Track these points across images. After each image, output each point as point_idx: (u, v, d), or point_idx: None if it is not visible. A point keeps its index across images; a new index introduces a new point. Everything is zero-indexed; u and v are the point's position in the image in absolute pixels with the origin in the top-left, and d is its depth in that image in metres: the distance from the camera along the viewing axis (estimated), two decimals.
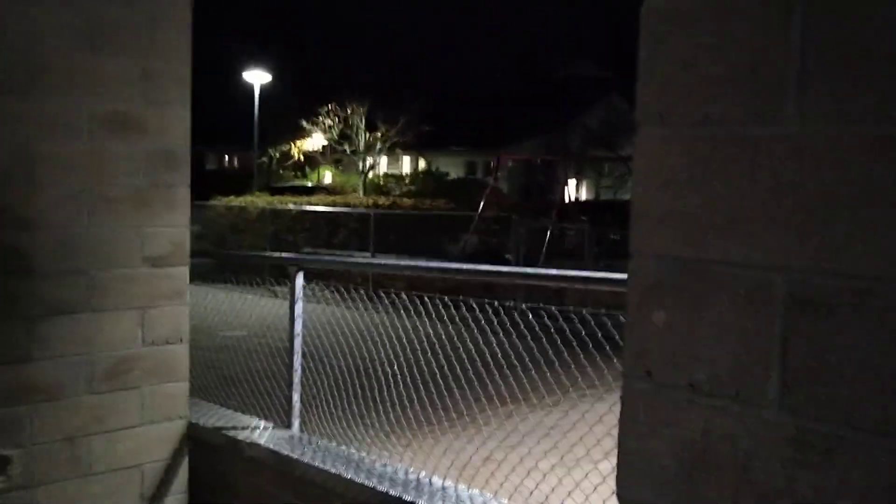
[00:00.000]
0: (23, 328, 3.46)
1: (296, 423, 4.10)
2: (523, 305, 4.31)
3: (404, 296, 4.63)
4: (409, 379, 5.63)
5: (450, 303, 4.92)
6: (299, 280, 4.09)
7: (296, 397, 4.11)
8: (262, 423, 4.22)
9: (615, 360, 4.53)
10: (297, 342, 4.10)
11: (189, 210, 3.95)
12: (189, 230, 3.95)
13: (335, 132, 30.75)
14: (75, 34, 3.50)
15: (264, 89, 29.08)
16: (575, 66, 48.26)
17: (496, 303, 4.27)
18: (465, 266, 4.56)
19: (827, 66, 1.00)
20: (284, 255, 5.42)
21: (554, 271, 3.76)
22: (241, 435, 4.00)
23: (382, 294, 5.94)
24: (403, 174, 38.93)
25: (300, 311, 4.11)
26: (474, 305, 4.41)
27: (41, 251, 3.49)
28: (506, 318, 4.33)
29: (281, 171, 40.44)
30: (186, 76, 3.85)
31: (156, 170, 3.78)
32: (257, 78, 28.74)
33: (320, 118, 30.71)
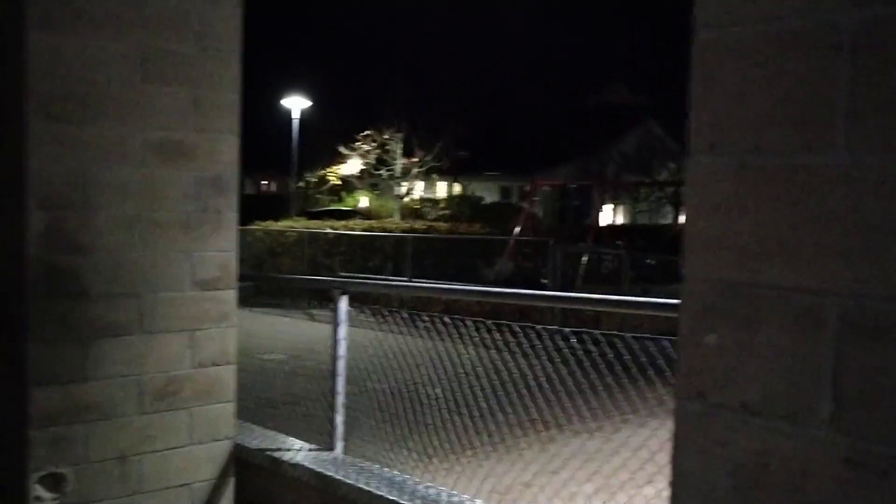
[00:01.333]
0: (78, 349, 3.56)
1: (339, 444, 4.16)
2: (566, 330, 4.33)
3: (446, 319, 4.67)
4: (449, 402, 5.66)
5: (490, 326, 4.95)
6: (343, 303, 4.15)
7: (339, 419, 4.16)
8: (306, 445, 4.28)
9: (656, 385, 4.54)
10: (341, 365, 4.16)
11: (236, 235, 4.05)
12: (236, 254, 4.04)
13: (372, 157, 31.05)
14: (130, 64, 3.62)
15: (302, 114, 29.47)
16: (610, 92, 48.27)
17: (537, 327, 4.30)
18: (512, 291, 4.59)
19: (875, 100, 1.04)
20: (328, 278, 5.49)
21: (602, 296, 3.78)
22: (286, 456, 4.06)
23: (421, 317, 5.99)
24: (439, 199, 39.10)
25: (343, 334, 4.18)
26: (517, 329, 4.44)
27: (95, 274, 3.59)
28: (548, 343, 4.36)
29: (318, 196, 40.81)
30: (235, 104, 3.95)
31: (205, 195, 3.88)
32: (296, 104, 29.13)
33: (358, 143, 31.05)
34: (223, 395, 4.01)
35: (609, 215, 22.81)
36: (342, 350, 4.16)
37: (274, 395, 7.00)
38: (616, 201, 34.84)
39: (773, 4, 1.15)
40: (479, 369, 5.55)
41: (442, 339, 5.42)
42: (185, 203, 3.83)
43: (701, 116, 1.23)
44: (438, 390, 5.64)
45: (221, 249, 3.96)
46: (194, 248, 3.87)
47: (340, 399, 4.17)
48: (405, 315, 5.12)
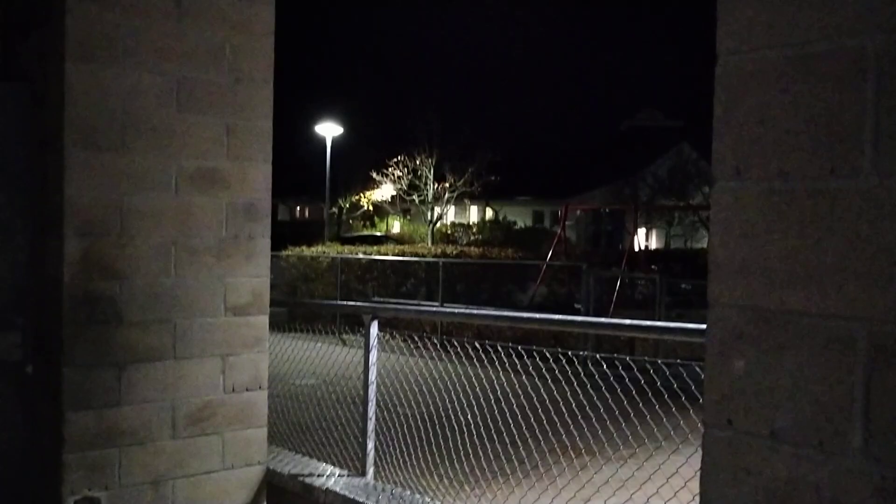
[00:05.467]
0: (112, 374, 3.61)
1: (370, 470, 4.15)
2: (597, 356, 4.30)
3: (476, 345, 4.67)
4: (481, 429, 5.63)
5: (522, 352, 4.94)
6: (374, 329, 4.17)
7: (370, 445, 4.16)
8: (338, 471, 4.28)
9: (690, 412, 4.47)
10: (372, 390, 4.16)
11: (269, 261, 4.08)
12: (269, 280, 4.08)
13: (404, 182, 31.25)
14: (165, 94, 3.69)
15: (335, 140, 29.74)
16: (643, 116, 48.19)
17: (570, 353, 4.29)
18: (543, 316, 4.57)
19: None
20: (360, 303, 5.51)
21: (631, 322, 3.75)
22: (318, 482, 4.06)
23: (453, 343, 5.99)
24: (470, 223, 39.16)
25: (374, 359, 4.18)
26: (548, 355, 4.42)
27: (130, 300, 3.64)
28: (579, 368, 4.33)
29: (350, 222, 41.08)
30: (268, 132, 4.01)
31: (238, 222, 3.93)
32: (329, 130, 29.42)
33: (390, 169, 31.28)
34: (256, 421, 4.03)
35: (643, 239, 22.69)
36: (373, 375, 4.17)
37: (306, 419, 7.02)
38: (650, 225, 34.64)
39: (796, 29, 1.15)
40: (512, 395, 5.53)
41: (474, 365, 5.41)
42: (218, 230, 3.87)
43: (725, 141, 1.23)
44: (470, 416, 5.62)
45: (254, 275, 3.99)
46: (228, 274, 3.91)
47: (371, 425, 4.17)
48: (436, 340, 5.14)
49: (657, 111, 48.24)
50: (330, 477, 4.16)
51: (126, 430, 3.66)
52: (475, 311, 4.67)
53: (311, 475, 4.17)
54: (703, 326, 1.29)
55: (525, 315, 4.44)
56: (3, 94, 3.70)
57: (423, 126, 30.47)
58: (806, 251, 1.13)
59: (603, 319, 3.91)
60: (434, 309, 5.70)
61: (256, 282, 4.01)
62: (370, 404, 4.16)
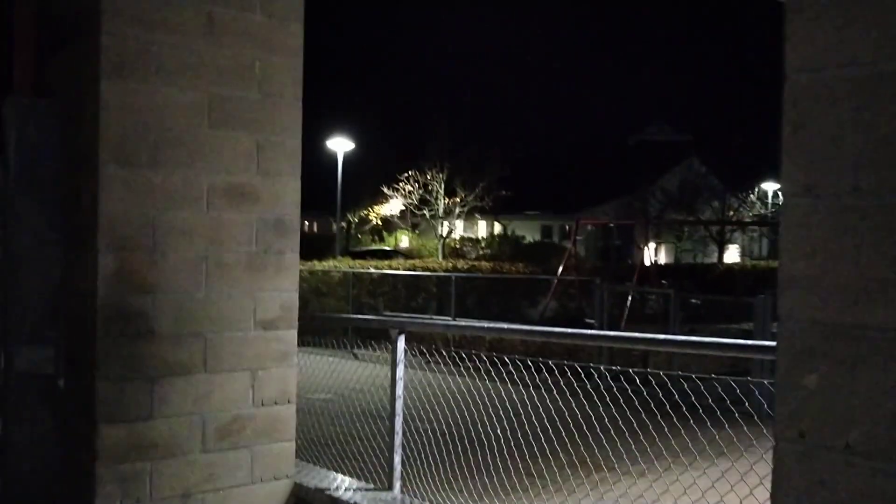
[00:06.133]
0: (145, 388, 3.63)
1: (397, 484, 4.16)
2: (615, 369, 4.32)
3: (493, 358, 4.68)
4: (495, 443, 5.63)
5: (540, 365, 4.94)
6: (401, 343, 4.19)
7: (397, 459, 4.18)
8: (364, 485, 4.29)
9: (707, 425, 4.47)
10: (399, 405, 4.18)
11: (297, 275, 4.11)
12: (297, 294, 4.11)
13: (415, 197, 31.36)
14: (197, 111, 3.73)
15: (346, 155, 29.83)
16: (652, 130, 48.23)
17: (590, 367, 4.30)
18: (588, 332, 4.58)
19: None
20: (386, 317, 5.53)
21: (688, 338, 3.77)
22: (345, 496, 4.07)
23: (465, 357, 6.00)
24: (479, 238, 39.21)
25: (401, 373, 4.20)
26: (566, 369, 4.43)
27: (162, 314, 3.67)
28: (598, 382, 4.34)
29: (359, 236, 41.16)
30: (297, 148, 4.05)
31: (267, 237, 3.96)
32: (340, 146, 29.51)
33: (401, 184, 31.40)
34: (284, 434, 4.05)
35: (653, 254, 22.70)
36: (400, 389, 4.18)
37: (323, 433, 7.04)
38: (658, 240, 34.62)
39: (866, 48, 1.18)
40: (525, 409, 5.53)
41: (483, 378, 5.43)
42: (248, 245, 3.91)
43: (795, 160, 1.25)
44: (483, 430, 5.62)
45: (283, 290, 4.02)
46: (257, 288, 3.94)
47: (398, 439, 4.18)
48: (445, 353, 5.15)
49: (666, 125, 48.28)
50: (357, 491, 4.17)
51: (157, 444, 3.68)
52: (506, 327, 4.68)
53: (337, 489, 4.18)
54: (768, 343, 1.31)
55: (559, 330, 4.46)
56: (37, 110, 3.74)
57: (434, 141, 30.62)
58: (878, 266, 1.15)
59: (658, 336, 3.92)
60: (464, 324, 5.71)
61: (285, 296, 4.04)
62: (397, 418, 4.18)
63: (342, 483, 4.30)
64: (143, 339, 3.63)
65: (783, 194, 1.27)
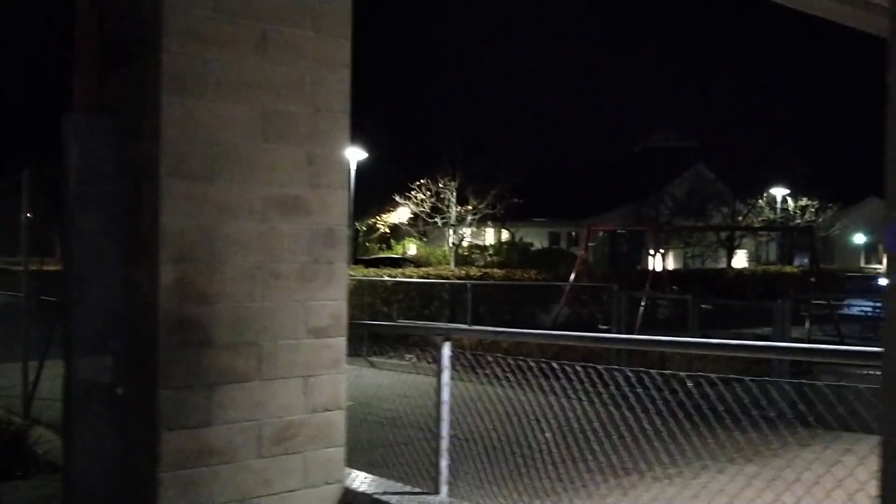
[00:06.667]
0: (203, 395, 3.74)
1: (444, 488, 4.26)
2: (654, 372, 4.40)
3: (517, 364, 4.76)
4: (523, 449, 5.71)
5: (578, 372, 5.02)
6: (446, 350, 4.28)
7: (444, 463, 4.27)
8: (410, 489, 4.39)
9: (734, 431, 4.54)
10: (445, 410, 4.27)
11: (346, 284, 4.22)
12: (346, 303, 4.21)
13: (427, 205, 31.51)
14: (252, 125, 3.85)
15: (358, 164, 29.92)
16: (657, 137, 48.26)
17: (616, 371, 4.38)
18: (643, 338, 4.66)
19: None
20: (431, 324, 5.63)
21: (778, 344, 3.85)
22: (393, 500, 4.17)
23: (483, 361, 6.07)
24: (487, 245, 39.28)
25: (447, 379, 4.30)
26: (600, 374, 4.51)
27: (219, 323, 3.78)
28: (628, 391, 4.42)
29: (367, 244, 41.27)
30: (346, 160, 4.16)
31: (318, 247, 4.07)
32: (353, 155, 29.59)
33: (412, 192, 31.56)
34: (335, 440, 4.15)
35: (662, 260, 22.77)
36: (446, 395, 4.28)
37: (353, 440, 7.11)
38: (667, 246, 34.73)
39: None
40: (549, 413, 5.61)
41: (513, 386, 5.49)
42: (300, 255, 4.02)
43: None
44: (510, 435, 5.69)
45: (333, 299, 4.13)
46: (308, 297, 4.05)
47: (445, 443, 4.27)
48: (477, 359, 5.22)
49: (671, 131, 48.33)
50: (404, 496, 4.26)
51: (216, 450, 3.78)
52: (554, 333, 4.77)
53: (385, 493, 4.27)
54: (873, 350, 1.41)
55: (610, 336, 4.55)
56: (98, 126, 3.86)
57: (446, 150, 30.78)
58: None
59: (716, 340, 4.00)
60: (512, 331, 5.79)
61: (335, 305, 4.15)
62: (444, 423, 4.27)
63: (390, 487, 4.40)
64: (202, 348, 3.74)
65: (887, 209, 1.37)
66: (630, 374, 4.40)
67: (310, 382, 4.06)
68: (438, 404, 4.28)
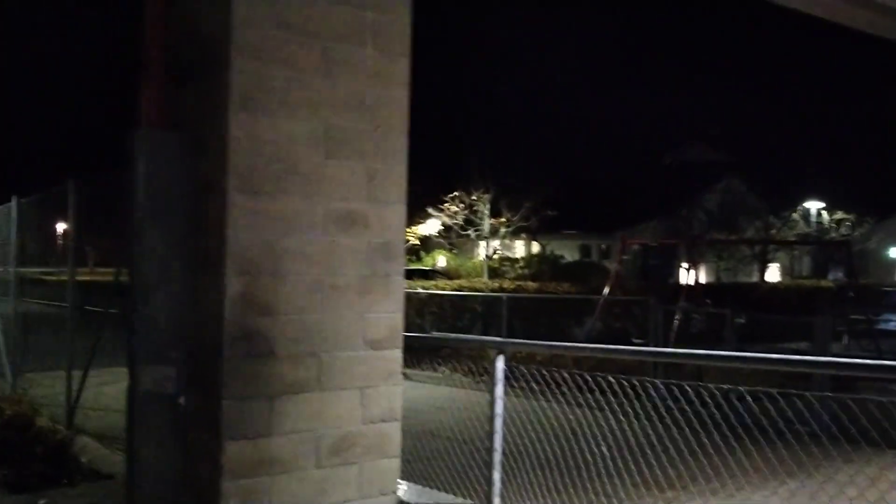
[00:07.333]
0: (265, 405, 3.81)
1: (496, 501, 4.29)
2: (710, 386, 4.41)
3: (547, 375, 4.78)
4: (564, 463, 5.72)
5: (593, 385, 5.02)
6: (500, 363, 4.33)
7: (496, 476, 4.31)
8: (462, 501, 4.43)
9: (777, 445, 4.52)
10: (498, 423, 4.32)
11: (403, 297, 4.28)
12: (402, 316, 4.27)
13: (460, 217, 31.63)
14: (314, 141, 3.93)
15: None
16: (688, 149, 48.06)
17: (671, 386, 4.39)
18: (691, 352, 4.68)
19: None
20: (485, 337, 5.67)
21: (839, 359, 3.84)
22: None
23: (518, 375, 6.09)
24: (517, 257, 39.27)
25: (500, 392, 4.34)
26: (619, 388, 4.52)
27: (282, 335, 3.86)
28: (686, 406, 4.42)
29: None
30: (404, 176, 4.23)
31: (376, 261, 4.14)
32: None
33: (445, 204, 31.70)
34: (390, 451, 4.20)
35: (695, 273, 22.63)
36: (499, 408, 4.32)
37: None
38: (700, 259, 34.54)
39: None
40: (586, 429, 5.62)
41: (549, 400, 5.52)
42: (359, 268, 4.09)
43: None
44: (547, 449, 5.71)
45: (390, 311, 4.19)
46: (366, 309, 4.11)
47: (498, 456, 4.32)
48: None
49: (702, 144, 48.08)
50: None
51: (276, 459, 3.85)
52: (610, 347, 4.80)
53: None
54: None
55: (671, 351, 4.56)
56: (165, 142, 3.96)
57: (478, 163, 30.90)
58: None
59: (827, 359, 4.00)
60: (564, 344, 5.83)
61: (392, 317, 4.21)
62: (496, 436, 4.32)
63: (441, 499, 4.46)
64: (264, 359, 3.81)
65: None
66: (674, 388, 4.41)
67: (367, 394, 4.12)
68: (492, 417, 4.33)
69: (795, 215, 39.55)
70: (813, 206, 39.76)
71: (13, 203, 12.93)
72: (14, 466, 8.09)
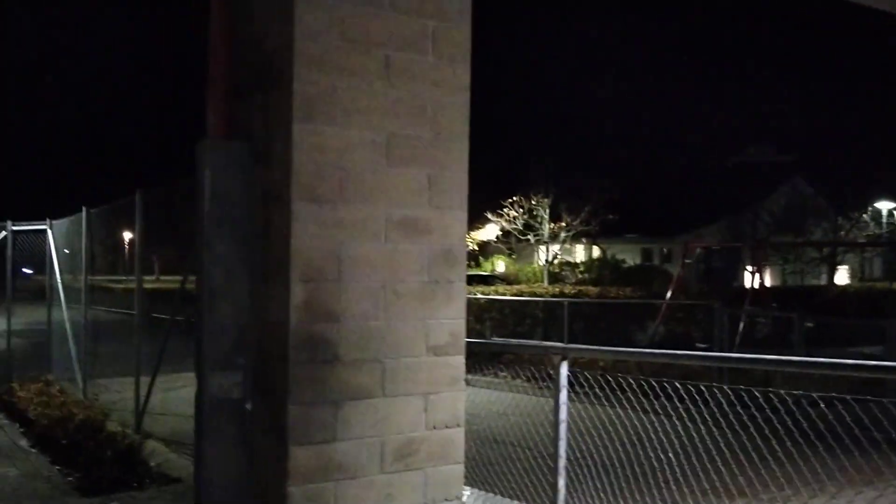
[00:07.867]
0: (329, 411, 3.84)
1: None
2: (781, 391, 4.31)
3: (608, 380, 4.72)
4: (630, 470, 5.65)
5: (659, 391, 4.95)
6: (564, 368, 4.30)
7: (561, 482, 4.28)
8: None
9: (854, 453, 4.40)
10: (563, 429, 4.29)
11: (465, 304, 4.28)
12: (465, 322, 4.27)
13: (520, 222, 31.58)
14: (377, 149, 3.96)
15: None
16: (752, 151, 47.21)
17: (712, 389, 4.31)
18: (772, 357, 4.58)
19: None
20: (548, 343, 5.65)
21: None
22: None
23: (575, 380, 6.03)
24: (577, 261, 39.00)
25: (564, 398, 4.32)
26: (685, 393, 4.44)
27: (345, 341, 3.89)
28: (750, 410, 4.34)
29: None
30: (465, 182, 4.24)
31: (438, 267, 4.15)
32: None
33: (505, 209, 31.68)
34: (454, 457, 4.20)
35: (761, 277, 22.16)
36: (563, 414, 4.29)
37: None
38: (765, 262, 33.90)
39: None
40: (652, 434, 5.53)
41: (614, 405, 5.47)
42: (420, 275, 4.10)
43: None
44: (612, 456, 5.64)
45: (452, 317, 4.19)
46: (428, 315, 4.12)
47: (562, 462, 4.29)
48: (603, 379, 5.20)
49: (766, 146, 47.16)
50: None
51: (341, 465, 3.88)
52: (679, 353, 4.73)
53: None
54: None
55: (753, 357, 4.48)
56: (229, 152, 4.03)
57: (539, 166, 30.82)
58: None
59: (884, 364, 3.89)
60: (629, 350, 5.76)
61: (454, 323, 4.21)
62: (561, 442, 4.29)
63: None
64: (329, 365, 3.85)
65: None
66: (743, 395, 4.32)
67: (430, 399, 4.13)
68: (556, 423, 4.30)
69: (865, 216, 38.47)
70: (884, 206, 38.64)
71: (83, 214, 13.34)
72: (85, 469, 8.34)
